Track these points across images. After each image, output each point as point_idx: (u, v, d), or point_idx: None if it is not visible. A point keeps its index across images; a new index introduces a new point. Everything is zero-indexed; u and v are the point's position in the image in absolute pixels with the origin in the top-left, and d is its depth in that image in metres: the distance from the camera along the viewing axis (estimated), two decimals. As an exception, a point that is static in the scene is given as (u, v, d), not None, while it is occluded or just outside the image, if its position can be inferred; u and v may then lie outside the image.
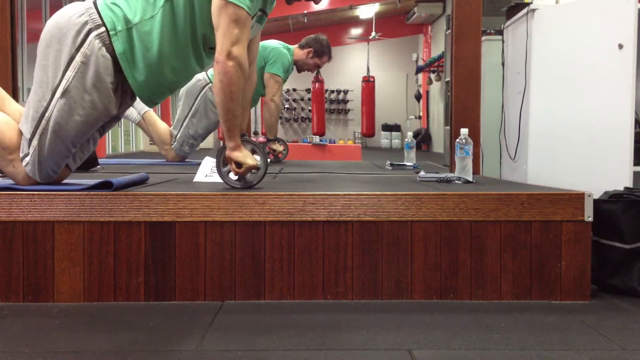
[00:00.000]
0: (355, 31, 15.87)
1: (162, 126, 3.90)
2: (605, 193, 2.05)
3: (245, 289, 1.80)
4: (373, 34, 13.12)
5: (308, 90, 15.84)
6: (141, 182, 2.13)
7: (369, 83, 12.76)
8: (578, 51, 2.88)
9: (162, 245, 1.79)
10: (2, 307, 1.75)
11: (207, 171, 2.32)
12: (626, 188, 2.11)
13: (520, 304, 1.80)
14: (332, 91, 16.68)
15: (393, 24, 15.33)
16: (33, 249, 1.78)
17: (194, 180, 2.29)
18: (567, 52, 2.91)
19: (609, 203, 1.96)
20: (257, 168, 1.97)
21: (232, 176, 2.01)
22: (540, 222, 1.82)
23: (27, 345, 1.43)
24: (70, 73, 1.83)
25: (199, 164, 2.42)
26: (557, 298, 1.83)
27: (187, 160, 3.96)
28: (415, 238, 1.82)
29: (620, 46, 2.75)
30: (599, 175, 2.75)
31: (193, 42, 1.94)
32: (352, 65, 15.88)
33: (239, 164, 1.96)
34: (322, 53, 3.97)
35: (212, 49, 1.94)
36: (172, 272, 1.79)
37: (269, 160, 3.56)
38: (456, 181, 2.28)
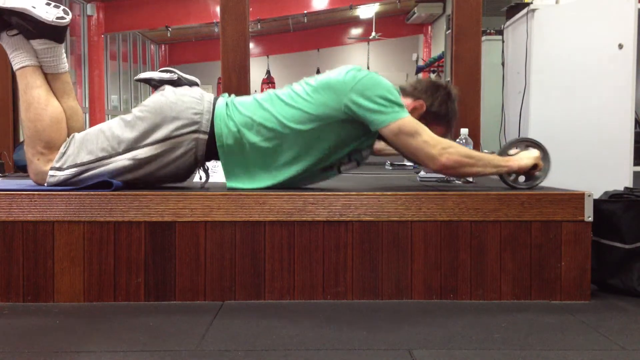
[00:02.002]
0: (355, 31, 15.87)
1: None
2: (605, 193, 2.05)
3: (245, 289, 1.80)
4: (373, 34, 13.13)
5: (308, 90, 15.84)
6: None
7: (369, 83, 12.74)
8: (578, 51, 2.88)
9: (162, 245, 1.79)
10: (2, 307, 1.75)
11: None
12: (626, 188, 2.11)
13: (520, 304, 1.80)
14: (332, 91, 16.67)
15: (393, 24, 15.33)
16: (33, 249, 1.78)
17: (194, 180, 2.28)
18: (567, 52, 2.91)
19: (609, 203, 1.96)
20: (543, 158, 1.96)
21: (520, 179, 2.00)
22: (540, 222, 1.82)
23: (27, 345, 1.43)
24: (153, 149, 1.85)
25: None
26: (557, 298, 1.83)
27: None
28: (415, 238, 1.82)
29: (620, 46, 2.75)
30: (599, 175, 2.74)
31: (315, 166, 1.94)
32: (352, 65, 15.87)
33: (532, 168, 1.94)
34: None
35: (326, 169, 1.98)
36: (172, 272, 1.79)
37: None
38: (456, 181, 2.28)
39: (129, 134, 1.86)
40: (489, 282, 1.82)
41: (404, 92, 2.04)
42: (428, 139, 1.86)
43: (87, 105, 10.65)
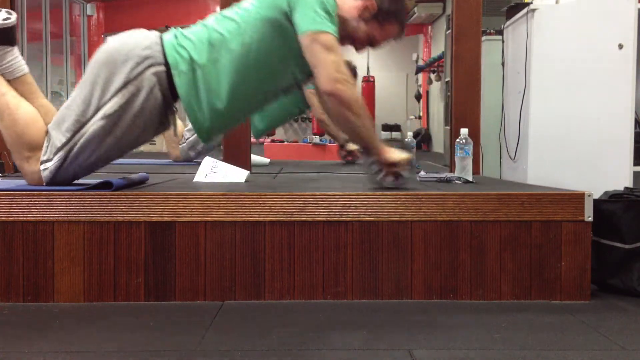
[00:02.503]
0: (355, 31, 15.83)
1: (177, 123, 3.89)
2: (605, 193, 2.05)
3: (245, 289, 1.80)
4: (373, 34, 13.09)
5: (308, 90, 15.83)
6: (141, 182, 2.13)
7: (369, 83, 12.75)
8: (578, 51, 2.88)
9: (162, 245, 1.79)
10: (2, 307, 1.75)
11: (207, 171, 2.32)
12: (626, 188, 2.11)
13: (520, 304, 1.80)
14: (332, 91, 16.66)
15: (393, 24, 15.30)
16: (33, 249, 1.78)
17: (194, 180, 2.29)
18: (567, 52, 2.91)
19: (609, 203, 1.96)
20: (410, 160, 1.97)
21: (387, 179, 2.00)
22: (540, 222, 1.82)
23: (27, 345, 1.43)
24: (117, 99, 1.83)
25: (199, 163, 2.42)
26: (557, 298, 1.83)
27: (187, 161, 3.96)
28: (415, 238, 1.82)
29: (620, 46, 2.75)
30: (599, 175, 2.74)
31: (268, 85, 1.95)
32: (352, 65, 15.86)
33: (394, 164, 1.95)
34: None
35: (287, 88, 1.99)
36: (172, 272, 1.79)
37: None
38: (456, 181, 2.28)
39: (91, 95, 1.84)
40: (489, 282, 1.82)
41: None
42: (338, 62, 1.85)
43: (87, 105, 10.63)
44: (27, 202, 1.78)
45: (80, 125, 1.85)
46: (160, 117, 1.94)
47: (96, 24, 11.00)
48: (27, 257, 1.78)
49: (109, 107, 1.83)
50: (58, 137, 1.86)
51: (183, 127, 3.88)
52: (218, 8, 3.13)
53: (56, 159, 1.86)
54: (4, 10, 1.91)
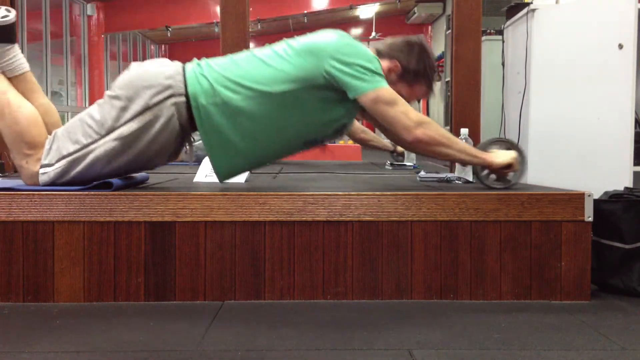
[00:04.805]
0: (355, 31, 15.86)
1: None
2: (605, 193, 2.05)
3: (245, 289, 1.80)
4: (373, 34, 13.12)
5: (308, 90, 15.84)
6: (141, 182, 2.13)
7: (369, 83, 12.73)
8: (578, 51, 2.88)
9: (162, 245, 1.79)
10: (2, 307, 1.75)
11: (207, 171, 2.32)
12: (626, 188, 2.11)
13: (520, 304, 1.80)
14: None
15: (393, 24, 15.32)
16: (33, 249, 1.78)
17: (194, 180, 2.29)
18: (567, 52, 2.91)
19: (609, 203, 1.96)
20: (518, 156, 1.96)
21: (492, 177, 2.00)
22: (540, 222, 1.82)
23: (27, 345, 1.43)
24: (133, 124, 1.82)
25: (199, 164, 2.41)
26: (557, 298, 1.83)
27: (185, 161, 3.95)
28: (415, 238, 1.82)
29: (620, 46, 2.75)
30: (599, 175, 2.74)
31: (293, 136, 1.93)
32: (352, 65, 15.85)
33: (506, 166, 1.93)
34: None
35: (310, 142, 1.97)
36: (172, 272, 1.79)
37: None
38: (456, 181, 2.28)
39: (108, 115, 1.83)
40: (489, 282, 1.82)
41: (380, 54, 2.00)
42: (406, 110, 1.86)
43: (87, 105, 10.65)
44: (27, 202, 1.78)
45: (91, 140, 1.84)
46: (176, 146, 1.93)
47: (96, 24, 11.00)
48: (27, 257, 1.78)
49: (124, 130, 1.82)
50: (65, 146, 1.86)
51: None
52: (218, 9, 3.13)
53: (58, 166, 1.86)
54: (3, 7, 1.91)
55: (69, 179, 1.86)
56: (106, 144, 1.83)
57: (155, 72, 1.86)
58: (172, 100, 1.83)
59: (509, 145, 2.04)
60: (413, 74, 2.01)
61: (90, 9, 10.87)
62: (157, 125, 1.83)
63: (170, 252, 1.79)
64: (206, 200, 1.79)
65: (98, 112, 1.86)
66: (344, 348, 1.42)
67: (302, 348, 1.42)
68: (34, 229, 1.78)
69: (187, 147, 2.00)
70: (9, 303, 1.78)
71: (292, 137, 1.92)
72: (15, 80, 1.96)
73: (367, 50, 1.91)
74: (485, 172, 1.99)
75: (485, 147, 2.02)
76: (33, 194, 1.78)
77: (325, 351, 1.40)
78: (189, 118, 1.87)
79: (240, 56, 1.93)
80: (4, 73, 1.94)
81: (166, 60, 1.94)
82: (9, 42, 1.92)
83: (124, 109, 1.83)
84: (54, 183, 1.87)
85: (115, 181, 1.86)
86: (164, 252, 1.79)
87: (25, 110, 1.90)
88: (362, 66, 1.84)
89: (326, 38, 1.88)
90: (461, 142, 1.95)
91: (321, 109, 1.89)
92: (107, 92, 1.89)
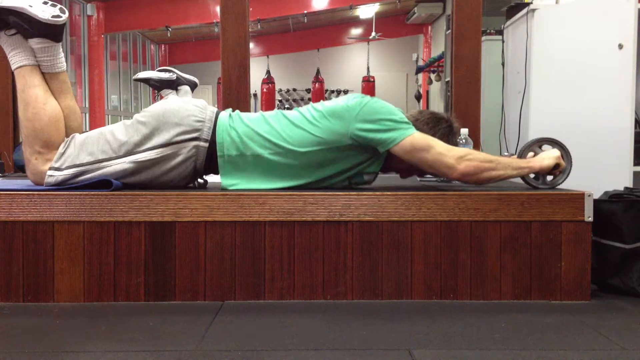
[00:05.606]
0: (355, 31, 15.86)
1: None
2: (605, 193, 2.05)
3: (245, 289, 1.80)
4: (373, 34, 13.12)
5: (308, 90, 15.85)
6: None
7: (369, 83, 12.76)
8: (578, 51, 2.88)
9: (162, 245, 1.79)
10: (2, 307, 1.75)
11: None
12: (626, 188, 2.11)
13: (520, 304, 1.80)
14: (332, 91, 16.68)
15: (393, 24, 15.32)
16: (33, 249, 1.78)
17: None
18: (567, 52, 2.91)
19: (609, 203, 1.96)
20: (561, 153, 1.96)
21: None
22: (540, 222, 1.82)
23: (27, 345, 1.43)
24: (152, 154, 1.86)
25: None
26: (557, 298, 1.83)
27: None
28: (415, 238, 1.82)
29: (620, 46, 2.75)
30: (599, 175, 2.75)
31: (315, 184, 1.95)
32: (352, 65, 15.87)
33: (553, 167, 1.92)
34: None
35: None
36: (172, 272, 1.79)
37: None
38: (456, 181, 2.28)
39: (130, 138, 1.87)
40: (489, 282, 1.82)
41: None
42: (443, 150, 1.85)
43: (87, 105, 10.65)
44: (27, 202, 1.78)
45: (106, 157, 1.87)
46: (184, 183, 1.97)
47: (96, 24, 10.99)
48: (27, 257, 1.78)
49: (141, 157, 1.86)
50: (79, 155, 1.88)
51: None
52: (218, 9, 3.13)
53: (67, 172, 1.87)
54: (58, 6, 1.93)
55: (73, 184, 1.88)
56: (120, 163, 1.86)
57: (189, 112, 1.89)
58: (195, 143, 1.88)
59: (547, 143, 2.01)
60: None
61: (90, 9, 10.86)
62: (174, 162, 1.88)
63: (170, 252, 1.79)
64: (206, 200, 1.79)
65: (121, 132, 1.89)
66: (344, 348, 1.42)
67: (302, 348, 1.42)
68: (34, 229, 1.78)
69: (196, 184, 2.03)
70: (9, 303, 1.78)
71: (311, 184, 1.95)
72: (49, 77, 1.97)
73: (389, 105, 1.93)
74: (533, 176, 1.99)
75: (525, 152, 2.00)
76: (33, 194, 1.78)
77: (325, 351, 1.40)
78: (206, 163, 1.91)
79: (271, 114, 1.98)
80: (40, 67, 1.96)
81: (203, 102, 1.97)
82: (54, 40, 1.94)
83: (147, 137, 1.87)
84: (58, 186, 1.87)
85: (115, 181, 1.85)
86: (164, 252, 1.79)
87: (49, 108, 1.92)
88: (388, 119, 1.86)
89: (350, 101, 1.91)
90: (503, 158, 1.93)
91: (345, 165, 1.93)
92: (137, 116, 1.93)
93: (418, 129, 1.94)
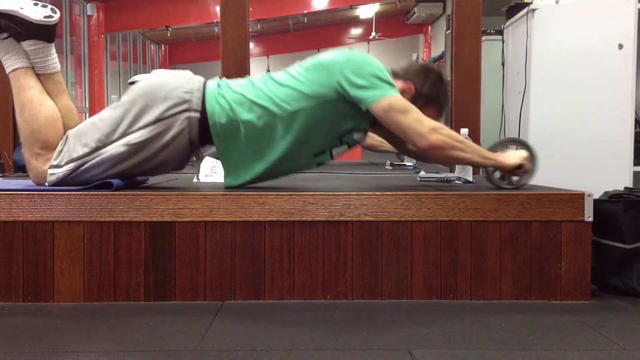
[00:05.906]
0: (355, 31, 15.87)
1: None
2: (605, 193, 2.05)
3: (245, 289, 1.80)
4: (373, 34, 13.13)
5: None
6: (141, 182, 2.13)
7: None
8: (578, 51, 2.88)
9: (162, 245, 1.79)
10: (2, 307, 1.75)
11: (207, 171, 2.32)
12: (626, 188, 2.11)
13: (520, 304, 1.80)
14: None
15: (393, 24, 15.34)
16: (33, 249, 1.78)
17: (194, 180, 2.29)
18: (567, 52, 2.91)
19: (609, 203, 1.96)
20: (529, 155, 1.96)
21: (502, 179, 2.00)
22: (540, 222, 1.82)
23: (27, 345, 1.43)
24: (144, 132, 1.85)
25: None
26: (557, 298, 1.83)
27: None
28: (415, 238, 1.82)
29: (620, 46, 2.75)
30: (599, 175, 2.75)
31: (307, 149, 1.95)
32: (352, 65, 15.86)
33: (517, 167, 1.93)
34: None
35: (318, 154, 1.98)
36: (172, 272, 1.79)
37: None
38: (456, 181, 2.28)
39: (121, 120, 1.86)
40: (489, 282, 1.82)
41: (395, 74, 2.02)
42: (419, 117, 1.86)
43: (87, 105, 10.66)
44: (27, 202, 1.78)
45: (101, 144, 1.86)
46: (182, 158, 1.95)
47: (96, 24, 11.00)
48: (27, 257, 1.78)
49: (134, 137, 1.85)
50: (75, 148, 1.87)
51: None
52: (218, 9, 3.13)
53: (66, 168, 1.87)
54: (49, 7, 1.93)
55: (75, 179, 1.88)
56: (114, 148, 1.85)
57: (175, 84, 1.88)
58: (186, 114, 1.86)
59: (517, 144, 2.03)
60: (425, 98, 2.01)
61: (90, 9, 10.87)
62: (167, 137, 1.86)
63: (170, 252, 1.79)
64: (206, 200, 1.79)
65: (110, 116, 1.88)
66: (344, 348, 1.42)
67: (302, 348, 1.42)
68: (34, 229, 1.78)
69: (194, 160, 2.02)
70: (9, 303, 1.78)
71: (303, 150, 1.94)
72: (44, 78, 1.97)
73: (378, 62, 1.92)
74: (497, 173, 1.99)
75: (496, 148, 2.02)
76: (33, 194, 1.78)
77: (325, 351, 1.40)
78: (200, 134, 1.89)
79: (259, 78, 1.97)
80: (34, 69, 1.95)
81: (189, 73, 1.96)
82: (47, 41, 1.93)
83: (138, 116, 1.85)
84: (60, 184, 1.88)
85: (115, 181, 1.86)
86: (164, 252, 1.79)
87: (46, 109, 1.92)
88: (372, 75, 1.86)
89: (337, 54, 1.92)
90: (473, 144, 1.95)
91: (333, 122, 1.92)
92: (124, 97, 1.91)
93: (407, 79, 1.98)
